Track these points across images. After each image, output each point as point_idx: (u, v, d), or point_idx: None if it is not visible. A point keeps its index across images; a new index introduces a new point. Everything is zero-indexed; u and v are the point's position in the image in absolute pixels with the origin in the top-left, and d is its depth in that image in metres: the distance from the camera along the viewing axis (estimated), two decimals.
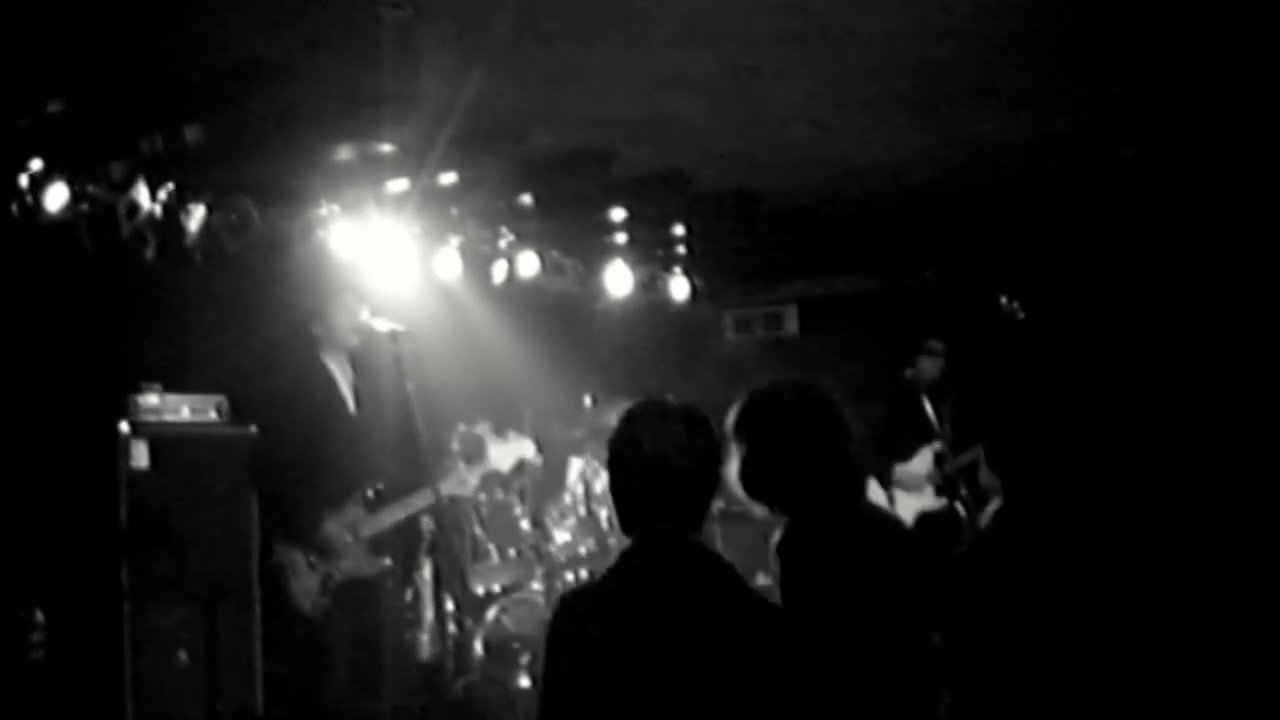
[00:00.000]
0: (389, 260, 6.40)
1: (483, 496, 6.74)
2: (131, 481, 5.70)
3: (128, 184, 5.45)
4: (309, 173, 5.90)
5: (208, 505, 5.86)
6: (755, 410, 3.17)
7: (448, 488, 5.59)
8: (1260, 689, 6.07)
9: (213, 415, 6.03)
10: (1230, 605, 6.85)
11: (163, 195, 5.58)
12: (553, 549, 6.74)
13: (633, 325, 8.30)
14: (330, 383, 5.48)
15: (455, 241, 6.96)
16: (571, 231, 7.35)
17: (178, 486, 5.80)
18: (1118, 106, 5.54)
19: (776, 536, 3.09)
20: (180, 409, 5.95)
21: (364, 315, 5.43)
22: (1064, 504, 3.67)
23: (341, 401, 5.50)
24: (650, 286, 8.25)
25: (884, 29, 4.52)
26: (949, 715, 3.17)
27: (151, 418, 5.84)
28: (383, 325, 5.33)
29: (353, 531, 5.33)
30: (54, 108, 4.89)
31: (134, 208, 5.45)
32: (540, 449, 6.25)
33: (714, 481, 2.87)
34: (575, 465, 7.04)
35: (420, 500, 5.41)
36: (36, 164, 5.20)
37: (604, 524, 6.88)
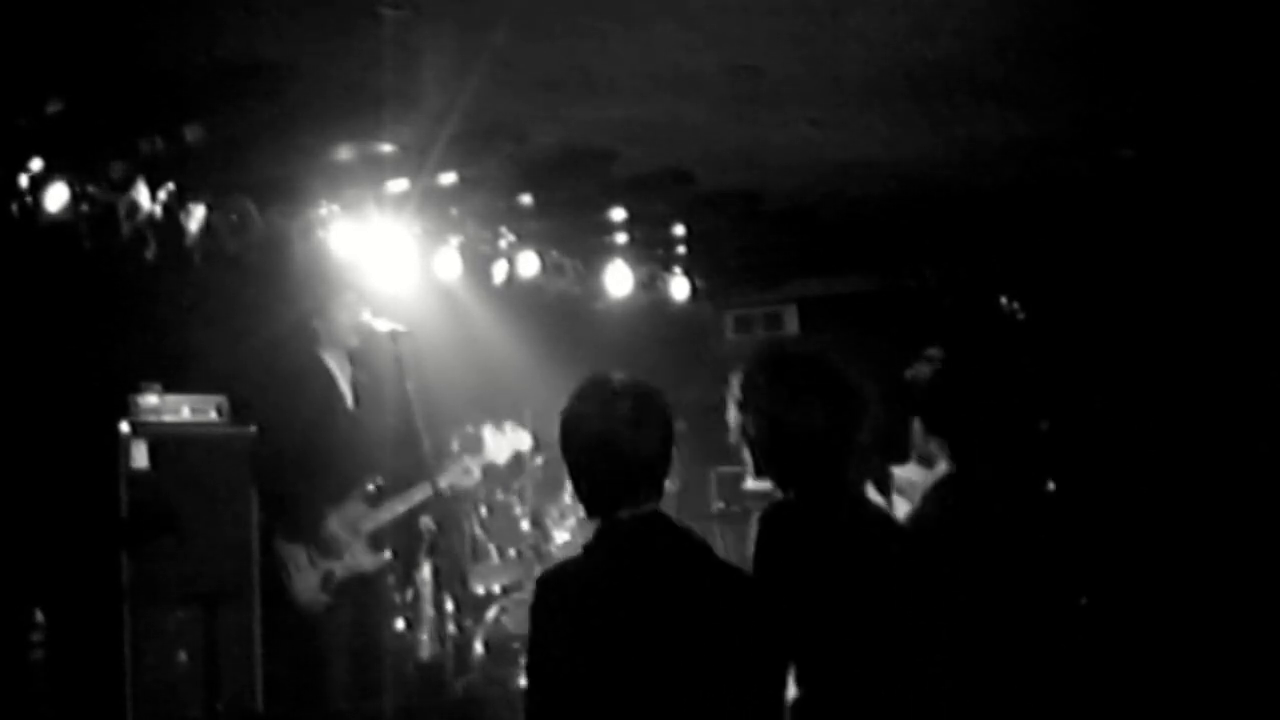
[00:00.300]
0: (389, 260, 6.40)
1: (483, 493, 6.75)
2: (131, 482, 5.70)
3: (128, 184, 5.45)
4: (309, 173, 5.90)
5: (208, 505, 5.86)
6: (761, 371, 3.13)
7: (450, 478, 5.60)
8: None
9: (213, 415, 6.04)
10: (1228, 606, 6.85)
11: (163, 195, 5.58)
12: (553, 549, 6.73)
13: (633, 325, 8.29)
14: (330, 380, 5.49)
15: (455, 241, 6.96)
16: (571, 231, 7.35)
17: (178, 486, 5.80)
18: (1118, 106, 5.54)
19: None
20: (180, 409, 5.96)
21: (364, 315, 5.44)
22: (1009, 473, 3.65)
23: (341, 399, 5.50)
24: (650, 286, 8.25)
25: (884, 28, 4.52)
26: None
27: (151, 418, 5.85)
28: (383, 325, 5.34)
29: (353, 527, 5.34)
30: (54, 108, 4.89)
31: (134, 208, 5.45)
32: (538, 445, 6.25)
33: (668, 451, 2.88)
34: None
35: (420, 494, 5.42)
36: (36, 164, 5.20)
37: None
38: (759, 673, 2.79)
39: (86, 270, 5.65)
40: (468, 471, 5.70)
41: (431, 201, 6.39)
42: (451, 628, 6.59)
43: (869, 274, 8.81)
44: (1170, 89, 5.35)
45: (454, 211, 6.77)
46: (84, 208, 5.34)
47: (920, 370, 4.04)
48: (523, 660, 6.29)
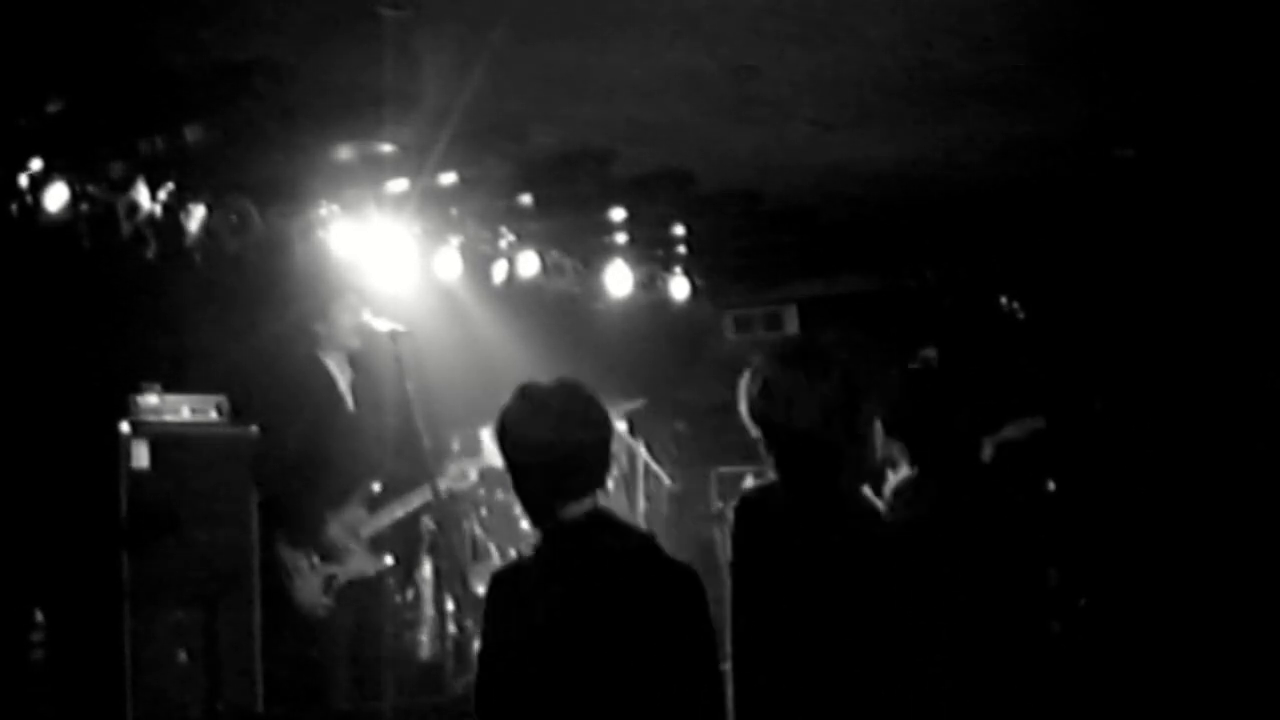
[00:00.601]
0: (389, 260, 6.40)
1: (482, 494, 6.74)
2: (131, 481, 5.70)
3: (128, 184, 5.45)
4: (309, 173, 5.90)
5: (208, 505, 5.86)
6: (768, 366, 3.17)
7: (446, 482, 5.59)
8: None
9: (213, 415, 6.03)
10: (1228, 606, 6.86)
11: (163, 195, 5.58)
12: None
13: (633, 325, 8.29)
14: (330, 384, 5.49)
15: (455, 241, 6.96)
16: (571, 231, 7.35)
17: (178, 486, 5.79)
18: (1118, 106, 5.54)
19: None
20: (180, 409, 5.95)
21: (365, 316, 5.44)
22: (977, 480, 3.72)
23: (341, 402, 5.50)
24: (650, 286, 8.25)
25: (884, 29, 4.52)
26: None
27: (151, 418, 5.84)
28: (383, 325, 5.33)
29: (354, 531, 5.34)
30: (54, 108, 4.89)
31: (134, 208, 5.45)
32: None
33: (604, 448, 2.95)
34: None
35: (419, 498, 5.42)
36: (36, 164, 5.20)
37: None
38: (695, 662, 2.84)
39: (86, 270, 5.64)
40: (463, 475, 5.70)
41: (431, 201, 6.39)
42: (451, 628, 6.59)
43: (869, 274, 8.81)
44: (1170, 89, 5.35)
45: (454, 211, 6.77)
46: (84, 207, 5.34)
47: (892, 376, 4.11)
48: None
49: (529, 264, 7.29)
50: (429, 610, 6.73)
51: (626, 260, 7.92)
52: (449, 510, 6.32)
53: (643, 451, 7.31)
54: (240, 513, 5.88)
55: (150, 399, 5.86)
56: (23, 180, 5.18)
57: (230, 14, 4.23)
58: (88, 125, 5.09)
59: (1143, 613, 6.87)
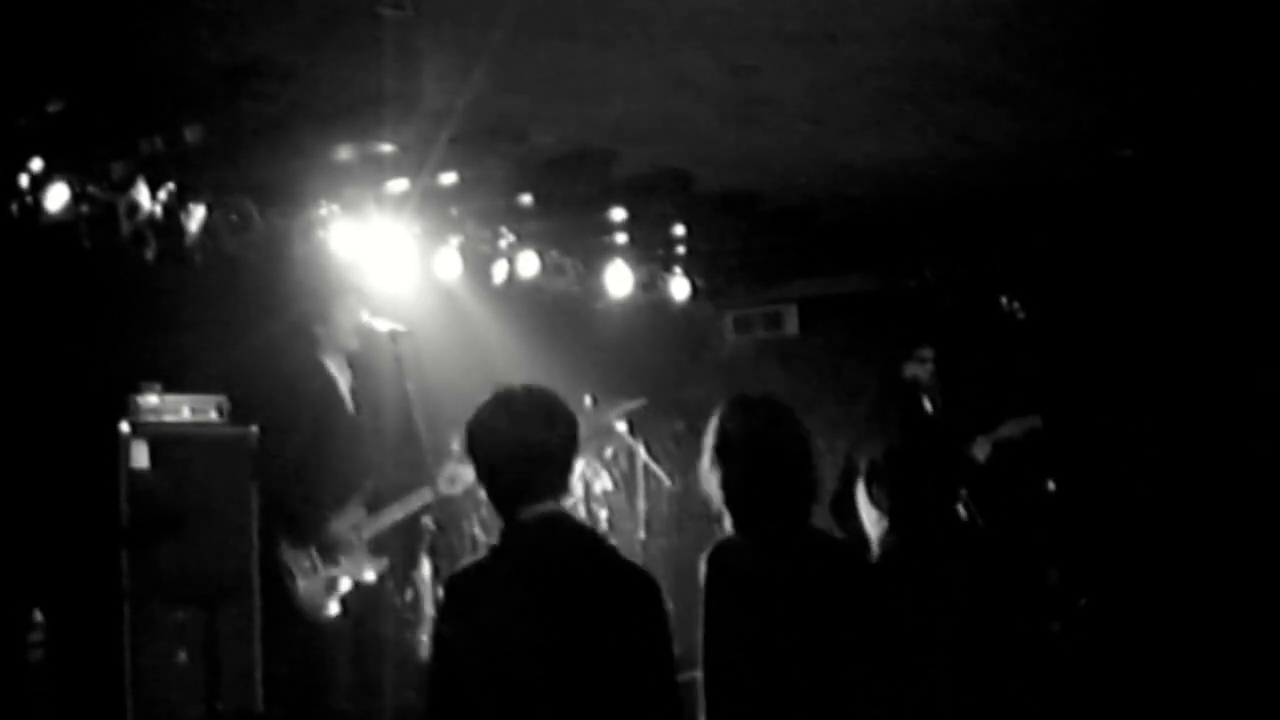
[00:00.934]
0: (389, 260, 6.40)
1: (483, 495, 6.73)
2: (131, 482, 5.70)
3: (128, 184, 5.45)
4: (309, 173, 5.90)
5: (208, 505, 5.86)
6: (722, 422, 3.26)
7: (439, 487, 5.59)
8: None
9: (213, 415, 6.03)
10: (1228, 606, 6.86)
11: (163, 195, 5.58)
12: None
13: (633, 325, 8.29)
14: (330, 383, 5.49)
15: (455, 241, 6.96)
16: (571, 231, 7.35)
17: (178, 486, 5.79)
18: (1118, 106, 5.54)
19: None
20: (180, 409, 5.95)
21: (365, 316, 5.44)
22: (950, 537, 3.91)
23: (341, 403, 5.51)
24: (650, 286, 8.25)
25: (884, 29, 4.52)
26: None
27: (151, 418, 5.84)
28: (383, 325, 5.33)
29: (354, 533, 5.34)
30: (54, 108, 4.89)
31: (134, 208, 5.45)
32: None
33: (570, 449, 3.06)
34: (575, 465, 7.02)
35: (418, 500, 5.42)
36: (36, 164, 5.20)
37: (603, 524, 6.88)
38: (651, 665, 2.92)
39: (86, 270, 5.64)
40: (453, 480, 5.69)
41: (431, 201, 6.39)
42: None
43: (869, 274, 8.82)
44: (1170, 89, 5.35)
45: (454, 211, 6.77)
46: (84, 208, 5.34)
47: (914, 369, 4.32)
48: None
49: (529, 264, 7.29)
50: (429, 610, 6.72)
51: (626, 260, 7.92)
52: (448, 510, 6.32)
53: (643, 451, 7.31)
54: (240, 513, 5.88)
55: (150, 399, 5.86)
56: (23, 180, 5.18)
57: (230, 14, 4.23)
58: (88, 125, 5.09)
59: (1143, 613, 6.88)
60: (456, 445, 6.29)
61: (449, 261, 6.89)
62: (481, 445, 3.03)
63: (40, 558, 5.46)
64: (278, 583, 5.29)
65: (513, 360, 7.39)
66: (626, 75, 4.95)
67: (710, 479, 3.21)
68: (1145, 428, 7.54)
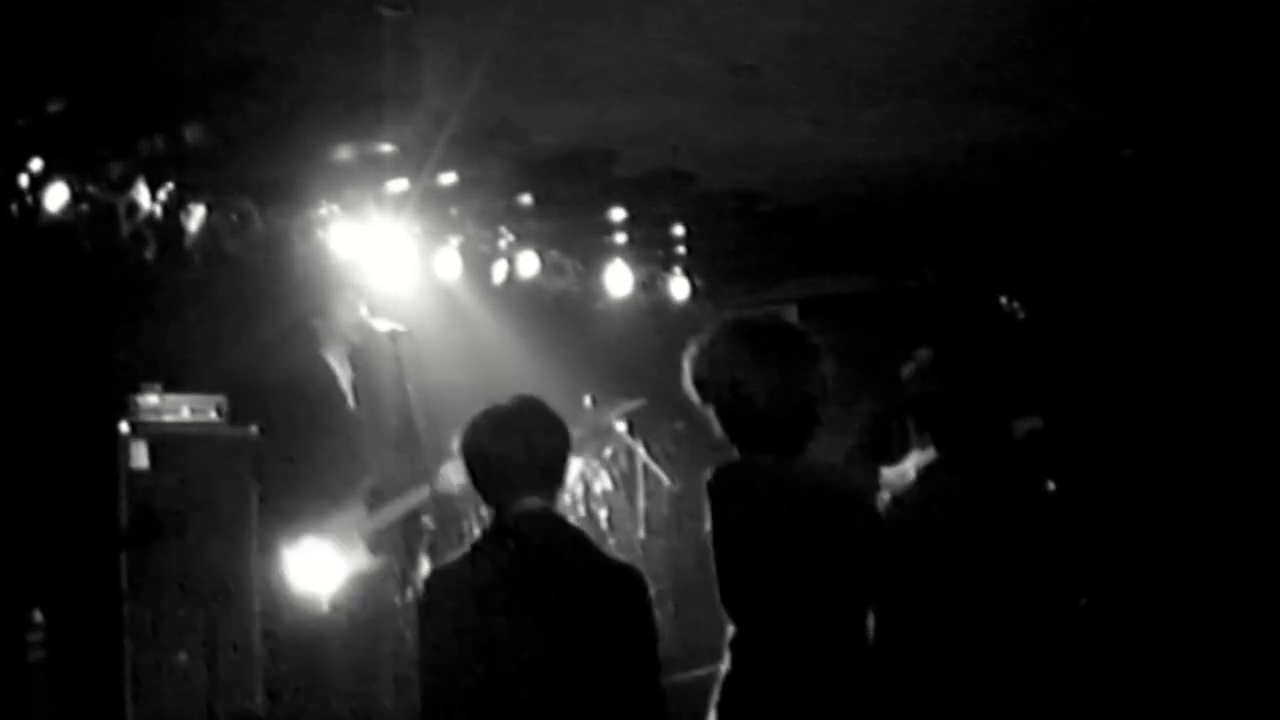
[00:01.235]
0: (389, 260, 6.40)
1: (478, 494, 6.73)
2: (131, 481, 5.69)
3: (128, 184, 5.46)
4: (309, 173, 5.90)
5: (208, 505, 5.85)
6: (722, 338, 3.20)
7: (437, 486, 5.59)
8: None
9: (213, 415, 6.03)
10: (1228, 606, 6.86)
11: (163, 195, 5.58)
12: None
13: (633, 325, 8.29)
14: (331, 380, 5.49)
15: (455, 241, 6.96)
16: (571, 231, 7.35)
17: (178, 486, 5.79)
18: (1118, 106, 5.54)
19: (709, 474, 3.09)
20: (180, 409, 5.94)
21: (364, 312, 5.44)
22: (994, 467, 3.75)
23: (342, 398, 5.50)
24: (650, 286, 8.26)
25: (885, 28, 4.52)
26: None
27: (151, 418, 5.84)
28: (383, 325, 5.33)
29: (354, 530, 5.33)
30: (54, 108, 4.89)
31: (134, 208, 5.45)
32: None
33: (559, 459, 3.11)
34: (574, 465, 7.02)
35: (417, 498, 5.41)
36: (36, 164, 5.20)
37: (603, 524, 6.88)
38: (633, 661, 2.94)
39: (86, 270, 5.64)
40: (452, 479, 5.67)
41: (431, 201, 6.39)
42: None
43: (869, 274, 8.82)
44: (1170, 89, 5.35)
45: (454, 211, 6.77)
46: (84, 208, 5.34)
47: (908, 370, 4.23)
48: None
49: (529, 264, 7.29)
50: None
51: (626, 260, 7.92)
52: (448, 509, 6.31)
53: (642, 451, 7.31)
54: (240, 513, 5.88)
55: (150, 399, 5.85)
56: (23, 180, 5.18)
57: (230, 14, 4.23)
58: (88, 125, 5.09)
59: (1143, 612, 6.87)
60: (456, 444, 6.29)
61: (449, 261, 6.90)
62: (470, 459, 3.13)
63: (40, 558, 5.46)
64: (277, 582, 5.29)
65: (513, 360, 7.39)
66: (626, 75, 4.95)
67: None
68: (1145, 428, 7.54)
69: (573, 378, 7.49)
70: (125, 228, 5.45)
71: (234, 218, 5.77)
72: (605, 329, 8.24)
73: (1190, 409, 7.52)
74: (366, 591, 5.43)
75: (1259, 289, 7.40)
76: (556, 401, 3.12)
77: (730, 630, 2.95)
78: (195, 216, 5.68)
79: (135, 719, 5.54)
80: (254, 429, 5.71)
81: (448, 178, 6.07)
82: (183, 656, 5.69)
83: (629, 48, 4.66)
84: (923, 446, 4.38)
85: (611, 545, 6.64)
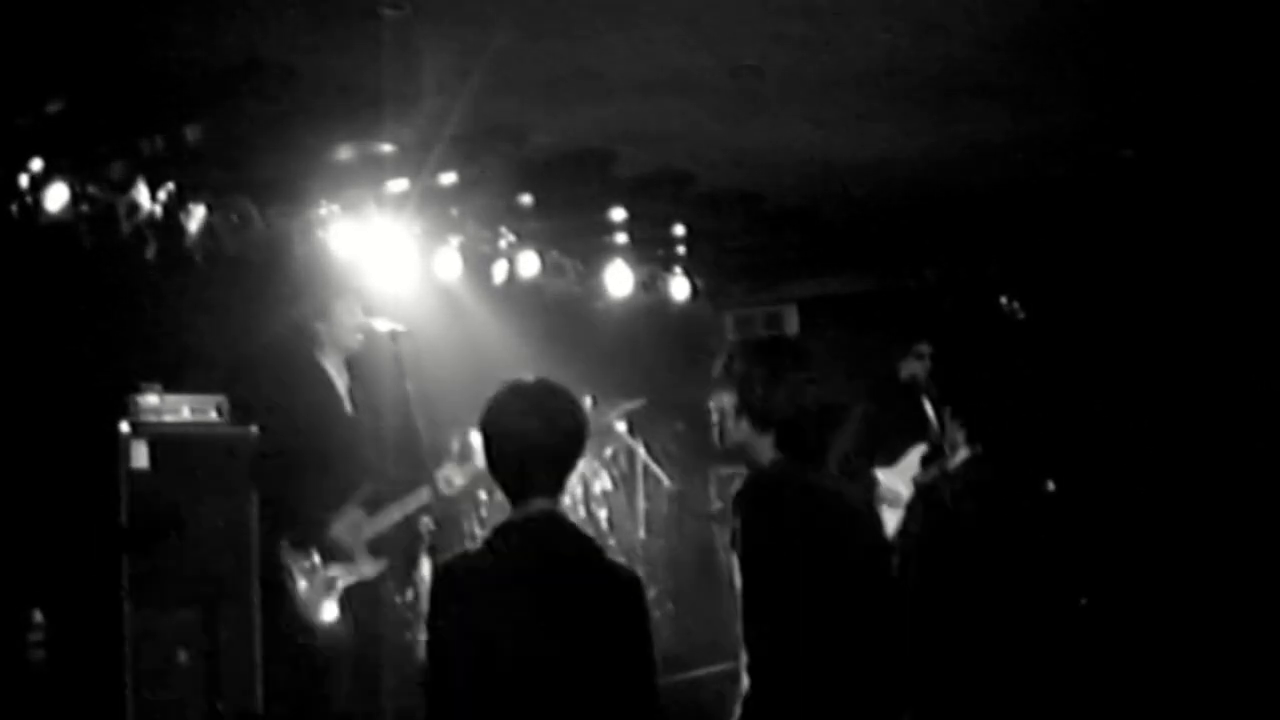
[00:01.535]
0: (389, 260, 6.40)
1: (484, 496, 6.74)
2: (131, 481, 5.70)
3: (128, 184, 5.45)
4: (309, 173, 5.90)
5: (208, 505, 5.86)
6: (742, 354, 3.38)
7: (437, 487, 5.59)
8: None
9: (213, 415, 6.03)
10: (1228, 606, 6.86)
11: (163, 195, 5.58)
12: None
13: (633, 325, 8.29)
14: (329, 384, 5.48)
15: (455, 241, 6.96)
16: (571, 231, 7.35)
17: (178, 486, 5.80)
18: (1118, 106, 5.54)
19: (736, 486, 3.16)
20: (180, 409, 5.95)
21: (364, 315, 5.43)
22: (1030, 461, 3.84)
23: (340, 403, 5.50)
24: (650, 286, 8.25)
25: (884, 28, 4.52)
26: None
27: (151, 418, 5.84)
28: (383, 325, 5.33)
29: (354, 534, 5.33)
30: (54, 108, 4.89)
31: (134, 208, 5.45)
32: None
33: (574, 452, 3.09)
34: (575, 464, 7.02)
35: (417, 500, 5.41)
36: (36, 164, 5.20)
37: (603, 524, 6.88)
38: (630, 663, 2.96)
39: (86, 270, 5.64)
40: (449, 482, 5.67)
41: (431, 201, 6.39)
42: None
43: (869, 274, 8.81)
44: (1170, 89, 5.35)
45: (454, 211, 6.77)
46: (84, 208, 5.34)
47: (913, 365, 4.28)
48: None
49: (529, 264, 7.29)
50: (428, 610, 6.71)
51: (626, 260, 7.92)
52: (448, 510, 6.31)
53: (642, 451, 7.31)
54: (240, 513, 5.88)
55: (150, 399, 5.86)
56: (23, 180, 5.18)
57: (230, 14, 4.23)
58: (88, 125, 5.09)
59: (1143, 612, 6.87)
60: (456, 445, 6.29)
61: (449, 261, 6.89)
62: (489, 435, 3.08)
63: (40, 558, 5.46)
64: (277, 583, 5.29)
65: (513, 360, 7.38)
66: (626, 75, 4.95)
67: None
68: (1145, 428, 7.53)
69: (573, 378, 7.47)
70: (125, 228, 5.45)
71: (234, 218, 5.77)
72: (605, 329, 8.24)
73: (1190, 409, 7.52)
74: (367, 593, 5.42)
75: (1259, 289, 7.39)
76: None
77: (747, 653, 2.98)
78: (195, 216, 5.68)
79: (135, 719, 5.54)
80: (254, 429, 5.71)
81: (448, 178, 6.07)
82: (183, 656, 5.70)
83: (629, 48, 4.66)
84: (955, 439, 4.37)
85: (611, 545, 6.64)
